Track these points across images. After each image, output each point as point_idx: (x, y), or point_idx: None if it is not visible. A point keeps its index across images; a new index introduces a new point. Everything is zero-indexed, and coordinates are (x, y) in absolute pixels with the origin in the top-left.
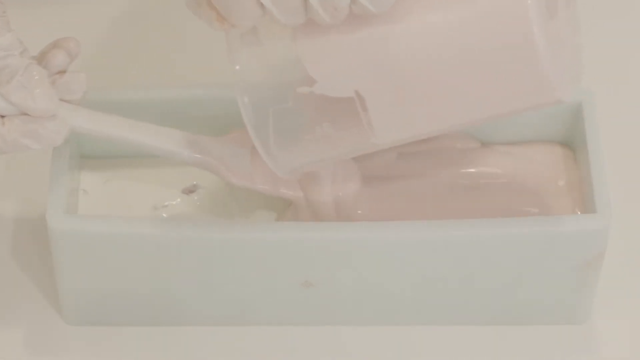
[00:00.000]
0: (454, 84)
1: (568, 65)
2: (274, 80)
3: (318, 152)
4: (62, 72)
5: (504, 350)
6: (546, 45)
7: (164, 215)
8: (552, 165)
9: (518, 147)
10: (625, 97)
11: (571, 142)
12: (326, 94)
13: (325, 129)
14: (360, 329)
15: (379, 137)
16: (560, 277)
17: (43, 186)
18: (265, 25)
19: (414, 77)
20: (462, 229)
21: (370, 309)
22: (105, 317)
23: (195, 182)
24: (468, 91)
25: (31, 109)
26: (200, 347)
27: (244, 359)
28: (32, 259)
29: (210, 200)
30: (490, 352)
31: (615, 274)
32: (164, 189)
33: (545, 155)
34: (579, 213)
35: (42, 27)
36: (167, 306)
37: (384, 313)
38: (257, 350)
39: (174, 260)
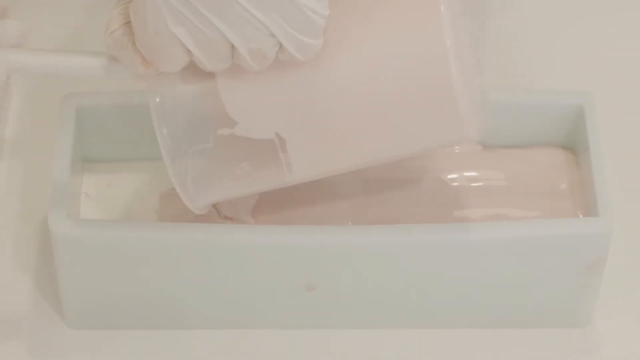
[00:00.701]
0: (372, 125)
1: (474, 106)
2: (195, 120)
3: (234, 190)
4: None
5: (505, 354)
6: (461, 88)
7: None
8: (554, 168)
9: (520, 150)
10: (627, 99)
11: (573, 145)
12: (246, 136)
13: (244, 168)
14: (362, 332)
15: (296, 176)
16: (562, 280)
17: (45, 190)
18: (189, 67)
19: (334, 119)
20: (464, 232)
21: (372, 312)
22: (108, 321)
23: None
24: (385, 132)
25: None
26: (203, 350)
27: None
28: (34, 263)
29: None
30: (492, 355)
31: (618, 276)
32: None
33: (547, 158)
34: (581, 216)
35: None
36: (169, 309)
37: (386, 316)
38: (259, 354)
39: (176, 263)
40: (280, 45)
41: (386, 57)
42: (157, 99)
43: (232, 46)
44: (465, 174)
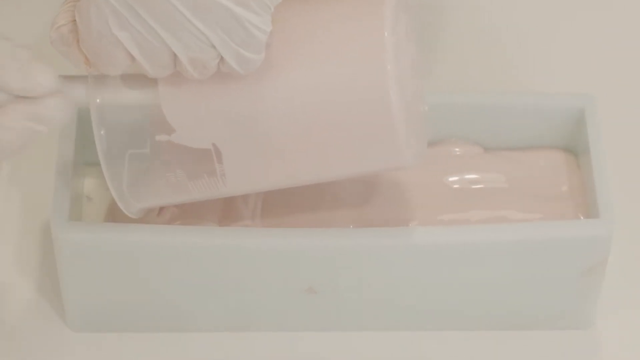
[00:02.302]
0: (310, 144)
1: (416, 132)
2: (134, 124)
3: (169, 197)
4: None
5: (507, 356)
6: (402, 116)
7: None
8: (555, 170)
9: (521, 153)
10: (627, 102)
11: (574, 147)
12: (184, 144)
13: (179, 176)
14: (364, 334)
15: (230, 188)
16: (563, 282)
17: (47, 193)
18: (131, 71)
19: (272, 136)
20: (466, 235)
21: (373, 315)
22: (110, 324)
23: None
24: (323, 152)
25: (34, 89)
26: (205, 353)
27: None
28: (36, 266)
29: None
30: (493, 357)
31: (619, 279)
32: None
33: (548, 161)
34: (582, 218)
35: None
36: (170, 312)
37: (387, 319)
38: (261, 357)
39: (178, 266)
40: (222, 57)
41: (328, 81)
42: (98, 100)
43: (175, 54)
44: (467, 176)
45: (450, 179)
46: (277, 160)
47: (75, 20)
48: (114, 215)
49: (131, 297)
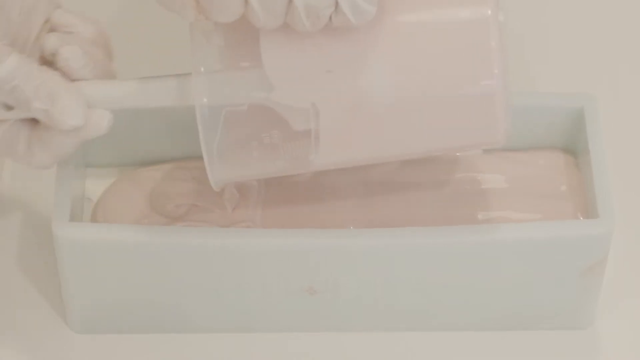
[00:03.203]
0: (410, 116)
1: (507, 110)
2: (233, 82)
3: (257, 165)
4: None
5: (507, 356)
6: (501, 91)
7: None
8: (554, 170)
9: (520, 153)
10: (627, 101)
11: (573, 147)
12: (283, 102)
13: (274, 137)
14: (365, 335)
15: (321, 156)
16: (563, 282)
17: (48, 194)
18: (233, 26)
19: (373, 102)
20: (465, 235)
21: (374, 315)
22: (111, 325)
23: None
24: (422, 126)
25: (62, 126)
26: (206, 354)
27: None
28: (38, 267)
29: None
30: (493, 357)
31: (618, 278)
32: None
33: (547, 161)
34: (581, 218)
35: None
36: (172, 313)
37: (388, 319)
38: (262, 357)
39: (179, 267)
40: (336, 7)
41: (437, 51)
42: (202, 68)
43: (290, 1)
44: (466, 176)
45: (450, 179)
46: (373, 131)
47: None
48: (96, 216)
49: (132, 298)
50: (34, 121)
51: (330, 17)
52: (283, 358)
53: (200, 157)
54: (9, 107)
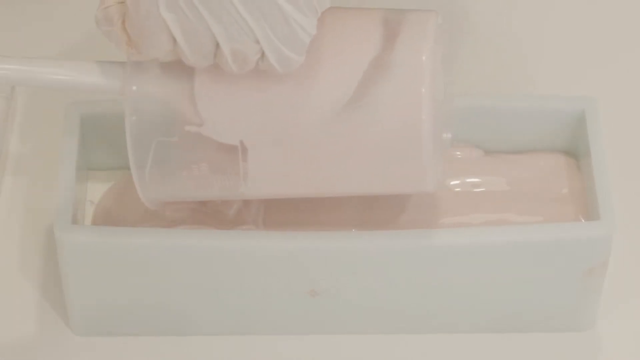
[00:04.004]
0: (338, 158)
1: (438, 159)
2: (165, 113)
3: (188, 191)
4: None
5: (508, 358)
6: (429, 142)
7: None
8: (556, 173)
9: (521, 156)
10: (628, 104)
11: (574, 150)
12: (212, 137)
13: (202, 169)
14: (366, 337)
15: (249, 189)
16: (564, 285)
17: (50, 197)
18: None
19: (301, 142)
20: (467, 237)
21: (376, 318)
22: (114, 328)
23: None
24: (350, 169)
25: None
26: (208, 356)
27: None
28: (40, 270)
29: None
30: (494, 359)
31: (619, 280)
32: None
33: (549, 163)
34: (582, 220)
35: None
36: (174, 316)
37: (389, 321)
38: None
39: (181, 270)
40: (263, 54)
41: (363, 98)
42: (134, 87)
43: (217, 44)
44: (467, 179)
45: (452, 182)
46: (301, 168)
47: (122, 2)
48: (97, 219)
49: (135, 301)
50: None
51: (257, 63)
52: None
53: None
54: None
